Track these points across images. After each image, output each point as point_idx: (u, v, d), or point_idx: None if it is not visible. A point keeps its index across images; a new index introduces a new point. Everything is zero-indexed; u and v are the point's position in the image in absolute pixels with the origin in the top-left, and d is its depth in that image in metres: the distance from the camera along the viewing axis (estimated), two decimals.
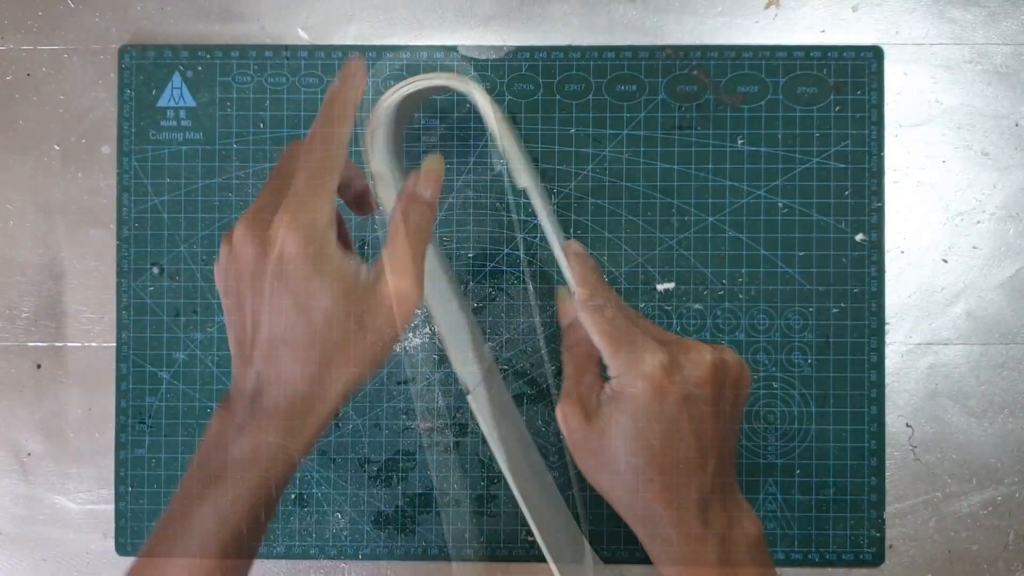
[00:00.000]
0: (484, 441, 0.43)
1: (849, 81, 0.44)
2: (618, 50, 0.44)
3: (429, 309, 0.37)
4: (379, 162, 0.36)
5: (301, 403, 0.31)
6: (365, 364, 0.32)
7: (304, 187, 0.31)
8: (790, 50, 0.44)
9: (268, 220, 0.31)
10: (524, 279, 0.44)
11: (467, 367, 0.39)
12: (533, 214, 0.44)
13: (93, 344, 0.45)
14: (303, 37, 0.45)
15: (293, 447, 0.31)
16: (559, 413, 0.33)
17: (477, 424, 0.40)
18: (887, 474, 0.44)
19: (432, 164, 0.34)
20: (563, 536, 0.41)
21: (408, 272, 0.32)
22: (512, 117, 0.44)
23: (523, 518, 0.44)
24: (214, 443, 0.32)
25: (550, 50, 0.44)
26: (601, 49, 0.44)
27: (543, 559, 0.44)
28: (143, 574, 0.31)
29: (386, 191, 0.36)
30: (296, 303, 0.30)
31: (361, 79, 0.33)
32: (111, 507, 0.45)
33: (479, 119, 0.44)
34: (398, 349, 0.44)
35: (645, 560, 0.44)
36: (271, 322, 0.31)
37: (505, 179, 0.43)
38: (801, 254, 0.44)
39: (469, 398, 0.37)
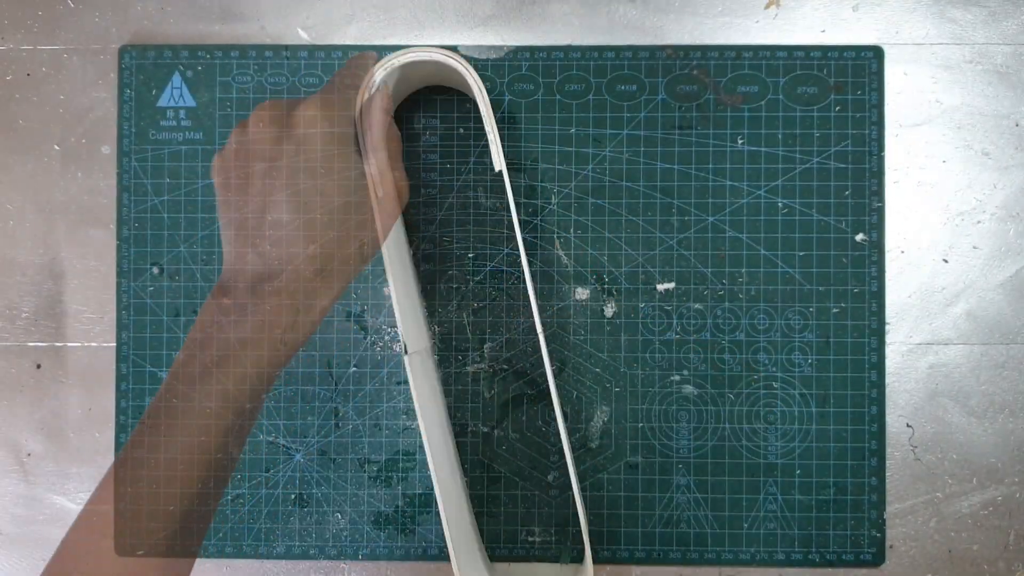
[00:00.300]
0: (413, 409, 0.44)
1: (849, 81, 0.44)
2: (618, 50, 0.44)
3: (387, 274, 0.38)
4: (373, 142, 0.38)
5: (312, 282, 0.31)
6: (373, 247, 0.33)
7: (332, 88, 0.33)
8: (790, 50, 0.44)
9: (293, 104, 0.32)
10: (524, 279, 0.44)
11: (412, 335, 0.39)
12: (534, 214, 0.44)
13: (93, 344, 0.45)
14: (303, 37, 0.45)
15: (301, 327, 0.31)
16: None
17: (411, 396, 0.41)
18: (887, 474, 0.44)
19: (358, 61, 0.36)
20: (468, 530, 0.42)
21: (401, 170, 0.34)
22: (512, 117, 0.44)
23: (522, 517, 0.44)
24: (210, 328, 0.31)
25: (550, 50, 0.44)
26: (601, 49, 0.44)
27: (543, 559, 0.44)
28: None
29: (380, 173, 0.38)
30: (317, 181, 0.31)
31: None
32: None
33: (479, 119, 0.44)
34: (398, 350, 0.44)
35: (645, 560, 0.44)
36: (287, 201, 0.31)
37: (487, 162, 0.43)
38: (801, 254, 0.44)
39: (406, 359, 0.38)
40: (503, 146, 0.44)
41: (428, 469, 0.38)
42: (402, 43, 0.45)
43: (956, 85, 0.44)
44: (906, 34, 0.45)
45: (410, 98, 0.44)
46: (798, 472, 0.44)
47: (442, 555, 0.44)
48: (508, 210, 0.44)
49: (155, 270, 0.45)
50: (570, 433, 0.44)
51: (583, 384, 0.44)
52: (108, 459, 0.45)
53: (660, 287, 0.44)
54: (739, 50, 0.44)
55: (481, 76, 0.44)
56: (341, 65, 0.44)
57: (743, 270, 0.44)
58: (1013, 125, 0.44)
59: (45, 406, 0.45)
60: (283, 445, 0.45)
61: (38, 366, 0.45)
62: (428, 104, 0.44)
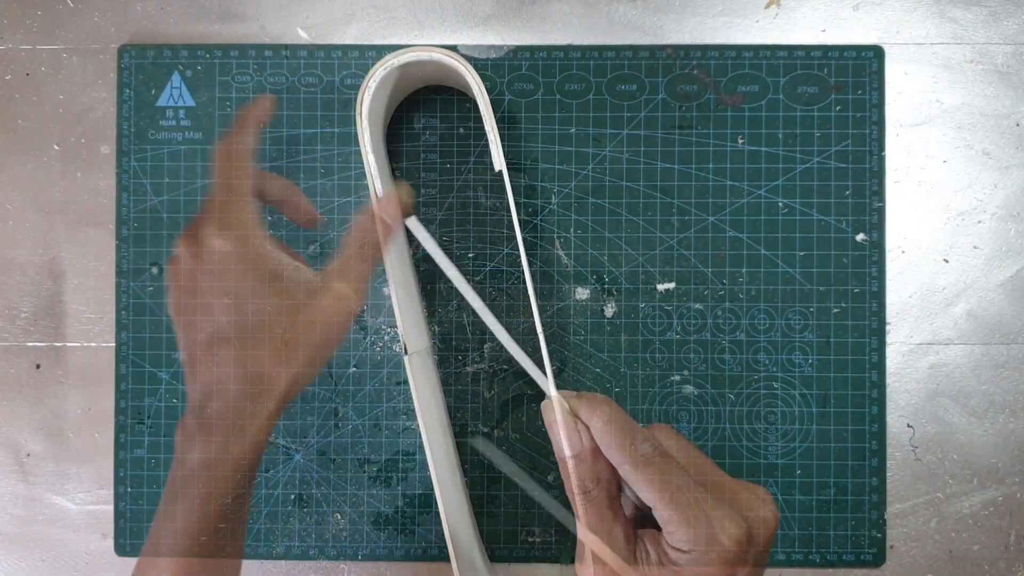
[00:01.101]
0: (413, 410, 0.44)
1: (850, 81, 0.44)
2: (618, 50, 0.44)
3: (387, 274, 0.38)
4: (370, 143, 0.38)
5: (242, 406, 0.30)
6: (306, 363, 0.31)
7: (220, 192, 0.32)
8: (790, 50, 0.44)
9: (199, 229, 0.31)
10: (524, 279, 0.44)
11: (412, 335, 0.40)
12: (534, 214, 0.44)
13: (92, 344, 0.45)
14: (303, 37, 0.45)
15: (234, 454, 0.31)
16: (584, 565, 0.28)
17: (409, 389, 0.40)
18: (888, 474, 0.44)
19: (399, 190, 0.35)
20: (468, 531, 0.42)
21: (352, 278, 0.32)
22: (512, 117, 0.44)
23: (522, 517, 0.44)
24: (176, 458, 0.32)
25: (550, 50, 0.44)
26: (601, 49, 0.44)
27: (544, 559, 0.44)
28: (144, 571, 0.31)
29: (379, 173, 0.38)
30: (229, 301, 0.31)
31: (267, 110, 0.34)
32: (110, 507, 0.45)
33: (479, 119, 0.44)
34: (398, 350, 0.44)
35: None
36: (210, 325, 0.31)
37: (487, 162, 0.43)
38: (802, 254, 0.44)
39: (406, 359, 0.38)
40: (503, 146, 0.44)
41: (428, 469, 0.38)
42: (402, 43, 0.45)
43: (956, 85, 0.44)
44: (906, 34, 0.44)
45: (410, 98, 0.44)
46: (798, 472, 0.44)
47: (442, 555, 0.44)
48: (508, 210, 0.44)
49: (154, 270, 0.45)
50: None
51: (583, 384, 0.44)
52: (108, 459, 0.45)
53: (660, 287, 0.44)
54: (739, 50, 0.44)
55: (481, 76, 0.44)
56: (341, 65, 0.44)
57: (743, 270, 0.44)
58: (1014, 125, 0.44)
59: (45, 406, 0.45)
60: (283, 445, 0.45)
61: (37, 366, 0.45)
62: (428, 104, 0.44)
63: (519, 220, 0.44)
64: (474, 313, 0.44)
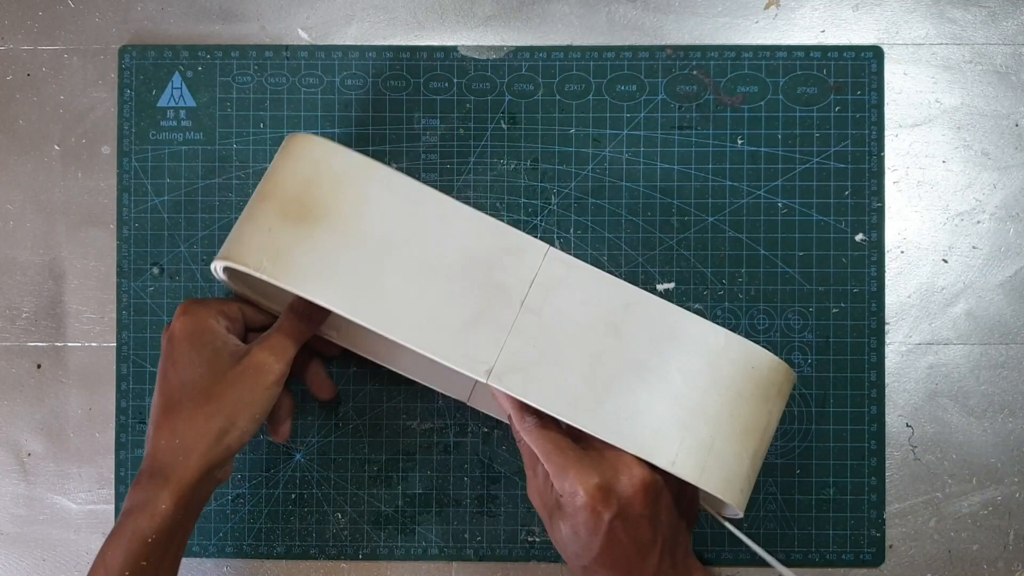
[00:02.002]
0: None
1: (849, 81, 0.44)
2: (618, 50, 0.44)
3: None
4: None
5: (167, 458, 0.36)
6: (227, 419, 0.36)
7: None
8: (790, 50, 0.44)
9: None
10: None
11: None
12: (534, 214, 0.44)
13: (93, 344, 0.45)
14: (303, 37, 0.45)
15: (160, 500, 0.35)
16: (529, 493, 0.37)
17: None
18: (887, 474, 0.44)
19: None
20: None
21: (275, 348, 0.37)
22: (512, 117, 0.45)
23: (522, 517, 0.44)
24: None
25: (550, 50, 0.44)
26: (601, 49, 0.44)
27: (544, 559, 0.44)
28: None
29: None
30: (169, 371, 0.37)
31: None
32: (111, 507, 0.45)
33: (479, 119, 0.44)
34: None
35: None
36: (158, 388, 0.37)
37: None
38: (801, 254, 0.44)
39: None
40: (503, 145, 0.44)
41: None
42: (402, 44, 0.45)
43: (956, 85, 0.44)
44: (906, 34, 0.45)
45: (410, 98, 0.44)
46: (798, 472, 0.44)
47: (442, 555, 0.44)
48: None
49: (155, 270, 0.45)
50: None
51: None
52: (108, 459, 0.45)
53: (660, 287, 0.44)
54: (739, 50, 0.44)
55: (481, 76, 0.44)
56: (341, 65, 0.44)
57: (743, 270, 0.44)
58: (1013, 125, 0.44)
59: (45, 406, 0.45)
60: (283, 445, 0.45)
61: (38, 366, 0.45)
62: (428, 104, 0.45)
63: (520, 220, 0.44)
64: None
